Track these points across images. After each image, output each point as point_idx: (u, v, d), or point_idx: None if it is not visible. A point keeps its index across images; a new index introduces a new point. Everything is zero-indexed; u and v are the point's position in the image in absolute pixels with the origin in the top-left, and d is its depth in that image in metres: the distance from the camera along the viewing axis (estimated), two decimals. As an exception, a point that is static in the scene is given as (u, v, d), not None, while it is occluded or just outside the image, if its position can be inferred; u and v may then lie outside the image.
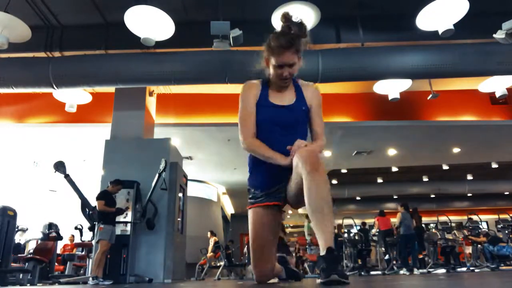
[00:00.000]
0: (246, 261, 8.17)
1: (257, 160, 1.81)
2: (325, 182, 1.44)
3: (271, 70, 1.75)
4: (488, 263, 7.02)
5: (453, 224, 8.32)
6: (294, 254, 8.74)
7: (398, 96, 5.87)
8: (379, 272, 6.85)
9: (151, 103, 6.36)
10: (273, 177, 1.79)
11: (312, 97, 1.89)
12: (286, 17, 1.72)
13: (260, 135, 1.79)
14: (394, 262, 7.39)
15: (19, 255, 6.15)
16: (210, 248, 8.93)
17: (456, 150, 8.93)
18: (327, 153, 8.97)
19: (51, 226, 6.44)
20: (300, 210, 18.05)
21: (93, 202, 4.99)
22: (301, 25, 1.69)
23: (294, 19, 1.70)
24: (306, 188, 1.43)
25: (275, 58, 1.68)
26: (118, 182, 4.94)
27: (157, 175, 4.96)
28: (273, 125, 1.79)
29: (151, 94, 6.37)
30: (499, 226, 7.97)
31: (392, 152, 8.99)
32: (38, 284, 5.07)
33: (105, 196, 4.77)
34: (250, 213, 1.87)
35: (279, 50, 1.66)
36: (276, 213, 1.85)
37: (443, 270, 6.92)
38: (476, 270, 6.80)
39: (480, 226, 8.46)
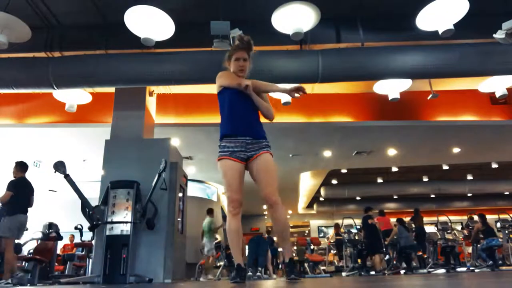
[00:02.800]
0: (246, 261, 8.17)
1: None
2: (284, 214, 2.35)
3: (232, 65, 2.54)
4: (487, 262, 7.02)
5: (455, 229, 8.34)
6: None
7: (398, 96, 5.86)
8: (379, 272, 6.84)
9: (151, 103, 6.36)
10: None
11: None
12: (241, 36, 2.51)
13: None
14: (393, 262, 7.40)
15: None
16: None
17: (456, 150, 8.93)
18: (327, 153, 8.97)
19: (51, 226, 6.44)
20: (301, 211, 18.08)
21: (93, 202, 4.99)
22: (249, 41, 2.48)
23: (246, 38, 2.48)
24: (275, 221, 2.35)
25: (235, 55, 2.50)
26: (19, 164, 4.98)
27: (157, 175, 4.95)
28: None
29: (151, 94, 6.37)
30: (499, 225, 7.97)
31: (392, 152, 8.99)
32: (38, 284, 5.06)
33: (9, 185, 4.79)
34: (219, 164, 2.47)
35: (236, 49, 2.50)
36: (242, 166, 2.39)
37: (443, 270, 6.92)
38: (476, 270, 6.80)
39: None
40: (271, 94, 5.96)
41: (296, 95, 2.34)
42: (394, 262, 7.42)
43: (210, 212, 8.80)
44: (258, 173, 2.34)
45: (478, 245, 7.48)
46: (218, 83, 2.53)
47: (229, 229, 2.34)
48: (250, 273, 6.64)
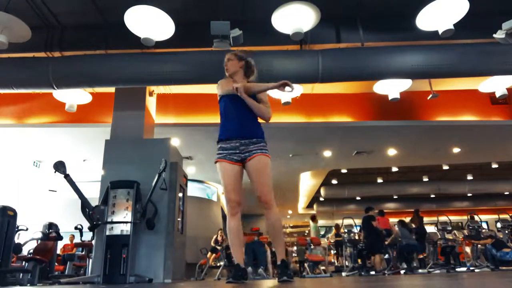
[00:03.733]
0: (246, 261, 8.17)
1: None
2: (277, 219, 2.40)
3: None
4: (489, 263, 7.01)
5: (456, 230, 8.32)
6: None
7: (398, 96, 5.86)
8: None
9: (151, 103, 6.36)
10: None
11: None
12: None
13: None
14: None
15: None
16: (213, 240, 8.97)
17: (456, 150, 8.93)
18: (327, 153, 8.97)
19: (51, 226, 6.43)
20: (301, 211, 18.07)
21: (93, 202, 4.99)
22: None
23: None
24: (268, 222, 2.38)
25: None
26: None
27: (157, 175, 4.95)
28: None
29: (151, 94, 6.37)
30: (499, 225, 7.96)
31: (392, 152, 8.99)
32: (38, 284, 5.06)
33: None
34: (217, 166, 2.48)
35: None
36: (238, 167, 2.43)
37: (443, 270, 6.92)
38: (476, 270, 6.80)
39: (483, 226, 8.42)
40: (270, 93, 5.98)
41: (287, 89, 2.31)
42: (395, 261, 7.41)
43: (313, 218, 10.31)
44: (251, 174, 2.39)
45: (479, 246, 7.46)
46: (217, 93, 2.64)
47: (229, 229, 2.37)
48: (249, 269, 6.64)
